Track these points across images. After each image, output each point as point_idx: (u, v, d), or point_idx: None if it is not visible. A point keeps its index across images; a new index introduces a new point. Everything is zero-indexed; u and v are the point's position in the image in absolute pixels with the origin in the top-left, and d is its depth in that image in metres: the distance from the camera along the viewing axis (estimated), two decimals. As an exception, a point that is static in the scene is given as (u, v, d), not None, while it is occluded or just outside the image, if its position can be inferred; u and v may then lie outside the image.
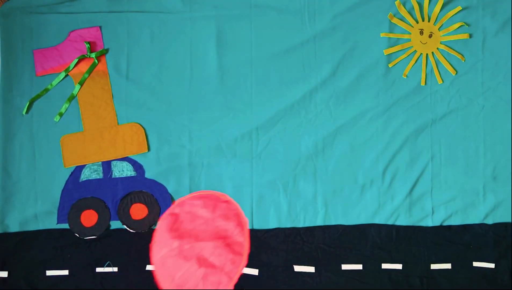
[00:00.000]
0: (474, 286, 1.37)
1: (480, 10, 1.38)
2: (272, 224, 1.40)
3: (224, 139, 1.40)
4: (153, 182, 1.40)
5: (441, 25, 1.39)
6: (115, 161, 1.41)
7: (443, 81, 1.39)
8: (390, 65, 1.39)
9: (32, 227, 1.40)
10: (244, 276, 1.39)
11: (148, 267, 1.39)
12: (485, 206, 1.38)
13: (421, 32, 1.39)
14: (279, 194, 1.40)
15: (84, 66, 1.42)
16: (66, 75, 1.41)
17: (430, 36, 1.39)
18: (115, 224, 1.41)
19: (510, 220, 1.37)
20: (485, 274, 1.37)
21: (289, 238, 1.39)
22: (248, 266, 1.39)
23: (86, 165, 1.41)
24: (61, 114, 1.41)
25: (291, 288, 1.38)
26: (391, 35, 1.39)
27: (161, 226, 1.20)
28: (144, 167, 1.41)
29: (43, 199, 1.40)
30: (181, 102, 1.41)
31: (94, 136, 1.41)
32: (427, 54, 1.39)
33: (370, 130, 1.39)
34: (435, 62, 1.39)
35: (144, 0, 1.42)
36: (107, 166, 1.41)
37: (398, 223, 1.39)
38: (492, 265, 1.37)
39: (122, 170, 1.41)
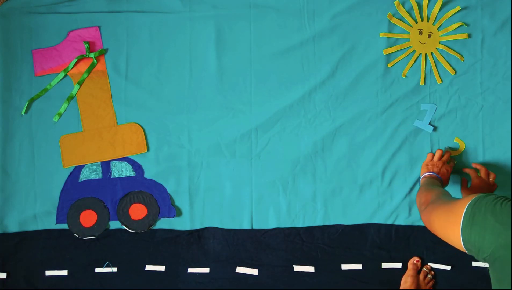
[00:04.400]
0: (473, 286, 1.37)
1: (479, 10, 1.38)
2: (271, 224, 1.40)
3: (224, 139, 1.40)
4: (153, 182, 1.40)
5: (440, 25, 1.39)
6: (114, 161, 1.41)
7: (442, 81, 1.39)
8: (389, 65, 1.39)
9: (31, 227, 1.40)
10: (243, 276, 1.39)
11: (148, 267, 1.40)
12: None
13: (420, 32, 1.39)
14: (278, 194, 1.40)
15: (83, 66, 1.41)
16: (65, 75, 1.41)
17: (429, 36, 1.39)
18: (114, 224, 1.41)
19: (509, 220, 1.37)
20: (484, 274, 1.37)
21: (289, 238, 1.39)
22: (247, 266, 1.39)
23: (85, 165, 1.41)
24: (60, 114, 1.41)
25: (291, 288, 1.39)
26: (390, 35, 1.39)
27: None
28: (143, 167, 1.41)
29: (42, 199, 1.40)
30: (180, 102, 1.41)
31: (93, 136, 1.41)
32: (426, 54, 1.39)
33: (369, 130, 1.39)
34: (434, 62, 1.39)
35: (143, 0, 1.41)
36: (106, 166, 1.41)
37: (397, 222, 1.39)
38: (491, 265, 1.37)
39: (121, 170, 1.41)
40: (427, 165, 1.32)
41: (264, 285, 1.38)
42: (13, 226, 1.40)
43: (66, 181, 1.41)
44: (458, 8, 1.38)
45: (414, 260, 1.37)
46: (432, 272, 1.37)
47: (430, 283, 1.36)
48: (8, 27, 1.41)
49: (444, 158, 1.33)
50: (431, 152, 1.37)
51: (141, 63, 1.41)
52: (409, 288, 1.33)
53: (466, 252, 0.75)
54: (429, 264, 1.38)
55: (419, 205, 1.09)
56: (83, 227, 1.40)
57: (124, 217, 1.40)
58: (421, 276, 1.36)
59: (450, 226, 0.78)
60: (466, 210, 0.73)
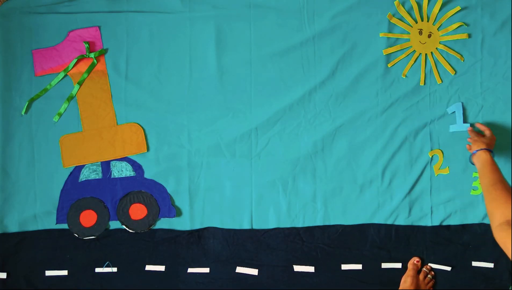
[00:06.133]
0: (473, 286, 1.37)
1: (479, 10, 1.38)
2: (271, 224, 1.40)
3: (223, 139, 1.40)
4: (152, 182, 1.40)
5: (440, 25, 1.39)
6: (114, 161, 1.41)
7: (442, 81, 1.39)
8: (389, 65, 1.39)
9: (31, 227, 1.40)
10: (243, 276, 1.39)
11: (148, 267, 1.40)
12: (484, 205, 1.38)
13: (420, 32, 1.39)
14: (278, 194, 1.40)
15: (83, 66, 1.41)
16: (65, 75, 1.41)
17: (429, 36, 1.39)
18: (114, 224, 1.41)
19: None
20: (484, 273, 1.37)
21: (289, 238, 1.39)
22: (247, 266, 1.39)
23: (85, 165, 1.41)
24: (60, 114, 1.41)
25: (291, 288, 1.39)
26: (390, 35, 1.39)
27: None
28: (143, 167, 1.41)
29: (42, 199, 1.40)
30: (180, 102, 1.41)
31: (93, 136, 1.41)
32: (426, 54, 1.39)
33: (369, 130, 1.39)
34: (434, 62, 1.39)
35: (143, 0, 1.41)
36: (106, 166, 1.41)
37: (397, 222, 1.39)
38: (491, 265, 1.37)
39: (121, 170, 1.41)
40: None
41: (264, 285, 1.38)
42: (13, 226, 1.40)
43: (66, 181, 1.41)
44: (458, 8, 1.38)
45: (414, 260, 1.37)
46: (432, 273, 1.37)
47: (430, 284, 1.36)
48: (8, 27, 1.41)
49: (421, 276, 1.37)
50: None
51: (141, 63, 1.41)
52: (408, 288, 1.33)
53: None
54: (429, 264, 1.38)
55: None
56: (83, 227, 1.40)
57: (124, 217, 1.40)
58: (421, 276, 1.36)
59: None
60: None
